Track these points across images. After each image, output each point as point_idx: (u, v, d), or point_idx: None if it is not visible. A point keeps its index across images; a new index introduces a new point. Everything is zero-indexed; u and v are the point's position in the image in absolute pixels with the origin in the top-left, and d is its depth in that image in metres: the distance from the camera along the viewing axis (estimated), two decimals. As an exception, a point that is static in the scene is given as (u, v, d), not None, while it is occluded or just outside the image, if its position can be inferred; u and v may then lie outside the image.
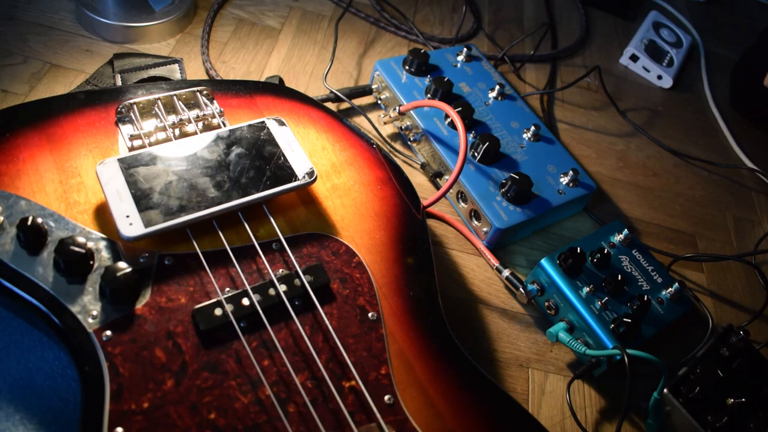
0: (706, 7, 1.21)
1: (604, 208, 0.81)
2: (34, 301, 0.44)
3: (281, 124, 0.58)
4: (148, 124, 0.56)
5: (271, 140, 0.57)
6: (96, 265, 0.47)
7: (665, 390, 0.60)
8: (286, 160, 0.55)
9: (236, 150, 0.55)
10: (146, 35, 0.80)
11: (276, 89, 0.65)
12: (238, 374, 0.45)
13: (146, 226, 0.48)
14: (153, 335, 0.45)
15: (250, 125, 0.57)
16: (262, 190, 0.53)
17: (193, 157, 0.54)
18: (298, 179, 0.54)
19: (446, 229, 0.73)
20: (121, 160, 0.51)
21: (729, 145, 0.96)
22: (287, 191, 0.54)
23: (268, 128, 0.57)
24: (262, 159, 0.55)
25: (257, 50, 0.84)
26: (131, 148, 0.55)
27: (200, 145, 0.55)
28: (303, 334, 0.48)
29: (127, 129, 0.56)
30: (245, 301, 0.48)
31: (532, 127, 0.78)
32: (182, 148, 0.54)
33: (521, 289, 0.66)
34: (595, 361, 0.61)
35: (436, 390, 0.49)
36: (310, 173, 0.55)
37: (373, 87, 0.81)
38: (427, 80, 0.79)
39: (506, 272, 0.68)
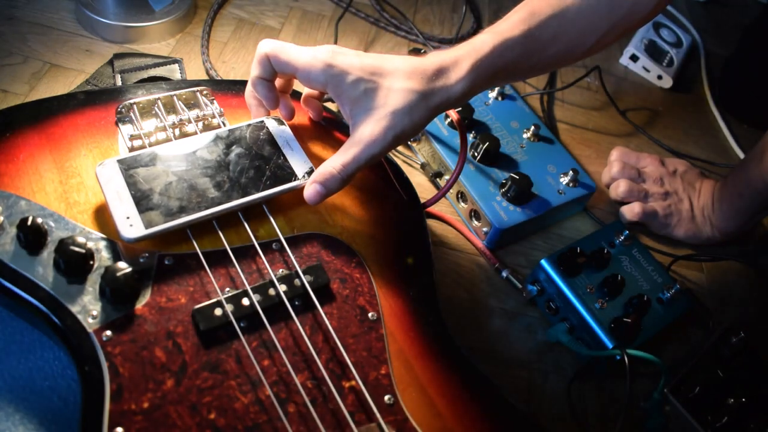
0: (706, 7, 1.21)
1: (604, 208, 0.81)
2: (34, 301, 0.44)
3: (280, 123, 0.58)
4: (148, 124, 0.56)
5: (271, 140, 0.57)
6: (96, 265, 0.47)
7: (665, 390, 0.60)
8: (285, 159, 0.55)
9: (236, 150, 0.55)
10: (146, 35, 0.80)
11: (276, 89, 0.65)
12: (238, 374, 0.45)
13: (147, 227, 0.48)
14: (153, 335, 0.45)
15: (249, 125, 0.57)
16: (262, 190, 0.53)
17: (193, 157, 0.54)
18: (298, 179, 0.54)
19: (446, 229, 0.73)
20: (120, 161, 0.51)
21: (729, 145, 0.96)
22: (287, 191, 0.54)
23: (267, 127, 0.57)
24: (261, 159, 0.55)
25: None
26: (131, 148, 0.55)
27: (199, 145, 0.55)
28: (303, 334, 0.48)
29: (127, 129, 0.56)
30: (245, 301, 0.48)
31: (532, 127, 0.78)
32: (181, 148, 0.54)
33: (521, 289, 0.66)
34: (595, 361, 0.61)
35: (436, 390, 0.49)
36: (310, 172, 0.55)
37: (373, 87, 0.81)
38: (427, 80, 0.79)
39: (506, 272, 0.68)
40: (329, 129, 0.62)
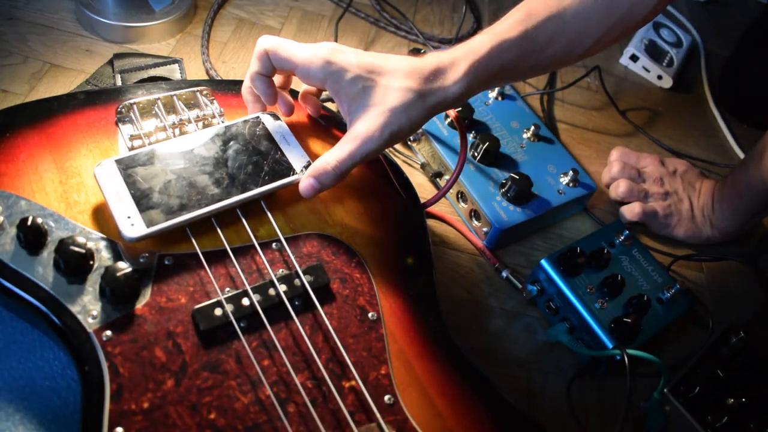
0: (706, 7, 1.21)
1: (604, 208, 0.81)
2: (34, 301, 0.44)
3: (276, 118, 0.58)
4: (148, 124, 0.56)
5: (267, 135, 0.57)
6: (96, 265, 0.47)
7: (665, 390, 0.60)
8: (283, 154, 0.56)
9: (233, 146, 0.55)
10: (146, 35, 0.80)
11: (276, 89, 0.65)
12: (238, 374, 0.45)
13: (148, 226, 0.48)
14: (153, 335, 0.45)
15: (245, 121, 0.57)
16: (262, 185, 0.53)
17: (191, 155, 0.54)
18: (296, 173, 0.55)
19: (446, 229, 0.73)
20: (118, 161, 0.51)
21: (729, 146, 0.96)
22: (286, 185, 0.54)
23: (263, 123, 0.57)
24: (259, 154, 0.55)
25: (257, 50, 0.84)
26: (131, 149, 0.55)
27: (196, 142, 0.55)
28: (303, 334, 0.48)
29: (127, 129, 0.56)
30: (245, 301, 0.48)
31: (532, 127, 0.78)
32: (178, 146, 0.54)
33: (521, 289, 0.66)
34: (595, 361, 0.61)
35: (436, 390, 0.49)
36: (308, 166, 0.55)
37: (373, 87, 0.81)
38: (427, 80, 0.79)
39: (506, 272, 0.68)
40: (325, 125, 0.62)
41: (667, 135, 0.94)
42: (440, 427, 0.47)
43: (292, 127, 0.59)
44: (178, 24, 0.82)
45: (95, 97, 0.58)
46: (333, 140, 0.61)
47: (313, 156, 0.57)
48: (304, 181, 0.53)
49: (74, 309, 0.45)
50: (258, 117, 0.58)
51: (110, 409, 0.41)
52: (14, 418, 0.47)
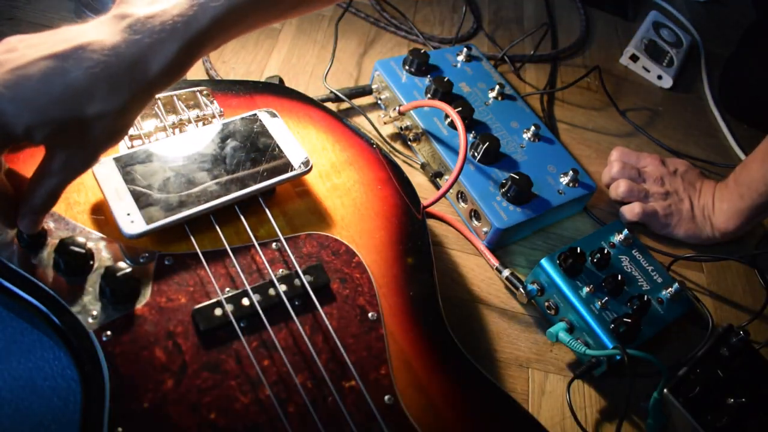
0: (706, 7, 1.21)
1: (604, 208, 0.81)
2: (34, 301, 0.44)
3: (273, 115, 0.58)
4: (148, 124, 0.56)
5: (264, 132, 0.57)
6: (96, 265, 0.47)
7: (665, 390, 0.60)
8: (280, 150, 0.56)
9: (231, 143, 0.55)
10: (146, 35, 0.80)
11: (276, 89, 0.65)
12: (238, 374, 0.45)
13: (148, 222, 0.48)
14: (153, 335, 0.45)
15: (242, 118, 0.57)
16: (261, 182, 0.53)
17: (189, 152, 0.54)
18: (294, 169, 0.55)
19: (446, 229, 0.73)
20: (116, 159, 0.51)
21: (729, 145, 0.96)
22: (284, 181, 0.54)
23: (260, 120, 0.57)
24: (257, 151, 0.55)
25: (257, 50, 0.84)
26: (131, 149, 0.55)
27: (194, 140, 0.55)
28: (303, 334, 0.48)
29: (127, 129, 0.56)
30: (245, 301, 0.48)
31: (532, 127, 0.78)
32: (177, 143, 0.54)
33: (521, 289, 0.66)
34: (595, 361, 0.61)
35: (436, 390, 0.49)
36: (305, 162, 0.55)
37: (373, 87, 0.81)
38: (427, 80, 0.79)
39: (506, 272, 0.68)
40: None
41: (667, 135, 0.94)
42: (440, 427, 0.47)
43: (289, 123, 0.59)
44: (178, 24, 0.82)
45: (95, 97, 0.58)
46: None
47: (311, 152, 0.57)
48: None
49: (74, 309, 0.45)
50: (255, 114, 0.58)
51: (110, 409, 0.41)
52: (14, 418, 0.47)
